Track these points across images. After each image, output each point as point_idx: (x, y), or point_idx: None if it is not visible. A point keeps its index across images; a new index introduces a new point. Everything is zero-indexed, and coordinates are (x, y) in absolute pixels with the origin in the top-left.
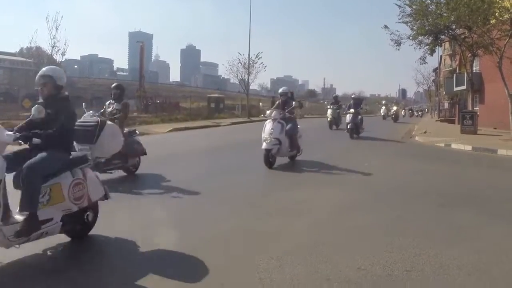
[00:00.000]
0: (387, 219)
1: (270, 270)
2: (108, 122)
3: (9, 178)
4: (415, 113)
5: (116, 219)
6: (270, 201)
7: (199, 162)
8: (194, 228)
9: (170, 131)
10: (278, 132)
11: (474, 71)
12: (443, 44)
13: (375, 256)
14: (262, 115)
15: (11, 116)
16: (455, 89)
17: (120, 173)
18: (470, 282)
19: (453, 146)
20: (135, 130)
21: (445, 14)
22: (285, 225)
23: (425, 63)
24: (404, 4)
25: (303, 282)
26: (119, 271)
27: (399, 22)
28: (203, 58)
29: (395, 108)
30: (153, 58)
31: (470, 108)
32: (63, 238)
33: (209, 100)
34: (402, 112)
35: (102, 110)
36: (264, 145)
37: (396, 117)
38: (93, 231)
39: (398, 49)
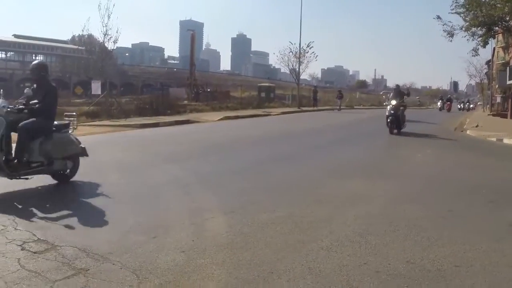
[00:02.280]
0: (438, 213)
1: (320, 260)
2: None
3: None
4: (459, 105)
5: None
6: (322, 190)
7: (251, 150)
8: (244, 214)
9: (221, 119)
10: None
11: None
12: (496, 36)
13: (425, 250)
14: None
15: (63, 103)
16: (508, 82)
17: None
18: None
19: (505, 141)
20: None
21: (499, 5)
22: (336, 214)
23: (477, 55)
24: None
25: (352, 274)
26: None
27: (451, 13)
28: (253, 47)
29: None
30: (203, 46)
31: None
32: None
33: (260, 89)
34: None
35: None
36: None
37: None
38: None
39: (451, 41)
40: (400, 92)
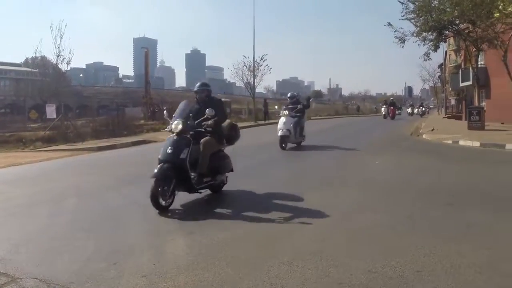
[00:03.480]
0: (396, 219)
1: (281, 276)
2: None
3: None
4: (409, 110)
5: None
6: (278, 203)
7: None
8: (204, 234)
9: None
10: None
11: (479, 66)
12: (447, 39)
13: (386, 257)
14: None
15: (19, 128)
16: (461, 84)
17: None
18: (481, 280)
19: (461, 142)
20: None
21: (448, 9)
22: (294, 228)
23: (429, 59)
24: (407, 0)
25: (315, 287)
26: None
27: (402, 19)
28: (208, 62)
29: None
30: (158, 64)
31: (476, 103)
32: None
33: None
34: (414, 110)
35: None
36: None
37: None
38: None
39: (402, 47)
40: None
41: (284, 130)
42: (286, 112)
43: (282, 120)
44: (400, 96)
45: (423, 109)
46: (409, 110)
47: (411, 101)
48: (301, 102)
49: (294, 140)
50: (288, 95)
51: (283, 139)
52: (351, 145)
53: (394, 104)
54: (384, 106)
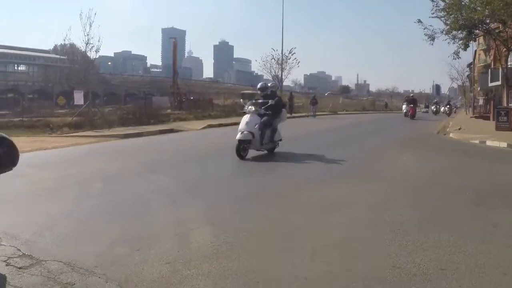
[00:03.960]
0: (422, 216)
1: (305, 267)
2: None
3: None
4: (433, 107)
5: None
6: (304, 196)
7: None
8: (229, 224)
9: (204, 127)
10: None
11: (509, 66)
12: (477, 39)
13: (410, 254)
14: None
15: (46, 113)
16: (490, 84)
17: None
18: (506, 281)
19: (488, 143)
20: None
21: (479, 8)
22: (320, 221)
23: (458, 58)
24: None
25: (338, 280)
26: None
27: (432, 17)
28: (236, 54)
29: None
30: (186, 54)
31: (505, 104)
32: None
33: (243, 96)
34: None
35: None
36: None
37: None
38: None
39: (432, 44)
40: (414, 100)
41: (245, 132)
42: (252, 108)
43: (245, 119)
44: (428, 94)
45: (451, 107)
46: (434, 108)
47: (436, 98)
48: (277, 96)
49: (258, 147)
50: (258, 86)
51: (242, 144)
52: (378, 141)
53: (414, 102)
54: (405, 103)
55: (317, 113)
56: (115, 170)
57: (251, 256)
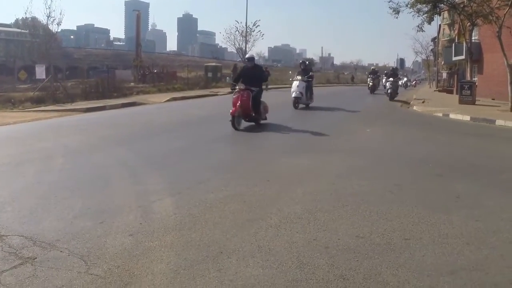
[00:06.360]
0: (386, 187)
1: (269, 238)
2: None
3: None
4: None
5: None
6: (268, 167)
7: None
8: (192, 195)
9: (168, 100)
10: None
11: (473, 40)
12: (442, 13)
13: (374, 224)
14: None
15: (8, 89)
16: (454, 59)
17: None
18: (469, 251)
19: (451, 116)
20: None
21: None
22: (283, 192)
23: (422, 31)
24: None
25: (302, 250)
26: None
27: None
28: (200, 27)
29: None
30: (149, 27)
31: (468, 78)
32: None
33: (206, 69)
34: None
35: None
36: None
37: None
38: None
39: (397, 17)
40: (395, 73)
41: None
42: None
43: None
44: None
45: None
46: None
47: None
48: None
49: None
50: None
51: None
52: (344, 114)
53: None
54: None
55: (278, 86)
56: (77, 144)
57: (214, 227)
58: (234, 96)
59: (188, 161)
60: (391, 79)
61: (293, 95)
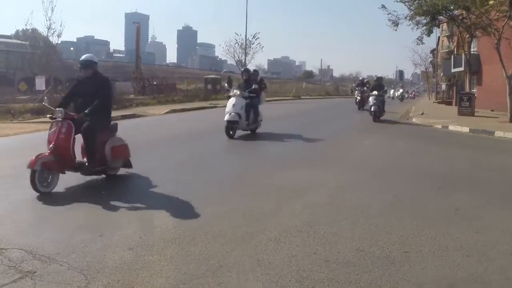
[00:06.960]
0: (385, 199)
1: (268, 252)
2: None
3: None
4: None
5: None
6: (268, 181)
7: (196, 142)
8: (191, 208)
9: (167, 112)
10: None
11: (472, 52)
12: (441, 25)
13: (373, 237)
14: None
15: (8, 100)
16: (453, 70)
17: None
18: (469, 263)
19: (451, 127)
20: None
21: None
22: (283, 205)
23: (422, 44)
24: None
25: (302, 264)
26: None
27: (396, 2)
28: (199, 39)
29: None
30: (149, 39)
31: (467, 89)
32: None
33: (206, 81)
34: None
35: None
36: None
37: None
38: None
39: (396, 30)
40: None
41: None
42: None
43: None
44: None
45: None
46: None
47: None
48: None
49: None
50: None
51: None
52: (341, 125)
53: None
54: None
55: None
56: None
57: (214, 241)
58: (50, 131)
59: (186, 175)
60: (375, 92)
61: (225, 118)
